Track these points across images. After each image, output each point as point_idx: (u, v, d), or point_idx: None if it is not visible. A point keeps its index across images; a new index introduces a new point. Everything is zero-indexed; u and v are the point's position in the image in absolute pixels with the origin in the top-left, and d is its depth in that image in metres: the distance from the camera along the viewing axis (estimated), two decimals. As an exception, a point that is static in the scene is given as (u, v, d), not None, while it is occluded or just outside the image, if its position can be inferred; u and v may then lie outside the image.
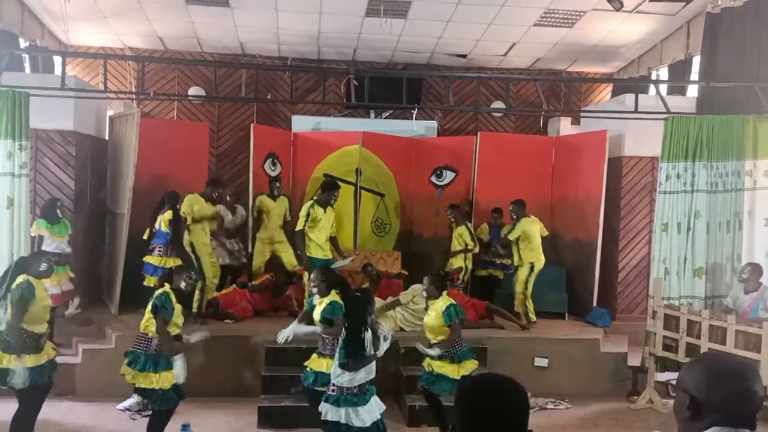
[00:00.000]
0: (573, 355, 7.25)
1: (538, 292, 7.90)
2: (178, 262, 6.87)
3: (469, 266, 8.22)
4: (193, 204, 7.22)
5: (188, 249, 7.17)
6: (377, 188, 9.41)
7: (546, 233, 7.96)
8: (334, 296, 5.24)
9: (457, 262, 8.16)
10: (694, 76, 9.07)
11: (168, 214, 7.05)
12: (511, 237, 7.65)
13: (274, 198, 8.17)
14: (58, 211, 7.09)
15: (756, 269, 6.75)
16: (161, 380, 4.92)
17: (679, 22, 9.06)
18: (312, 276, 5.55)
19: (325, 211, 7.09)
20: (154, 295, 5.02)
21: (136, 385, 4.96)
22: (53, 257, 6.80)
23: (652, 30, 9.30)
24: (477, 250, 8.18)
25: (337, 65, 10.73)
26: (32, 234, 6.85)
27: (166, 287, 5.08)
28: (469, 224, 8.29)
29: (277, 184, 8.21)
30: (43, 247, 6.81)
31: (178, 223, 7.04)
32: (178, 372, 4.90)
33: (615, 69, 11.12)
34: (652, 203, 8.27)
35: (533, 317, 7.65)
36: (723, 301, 7.01)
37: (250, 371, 6.67)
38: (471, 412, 1.64)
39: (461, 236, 8.10)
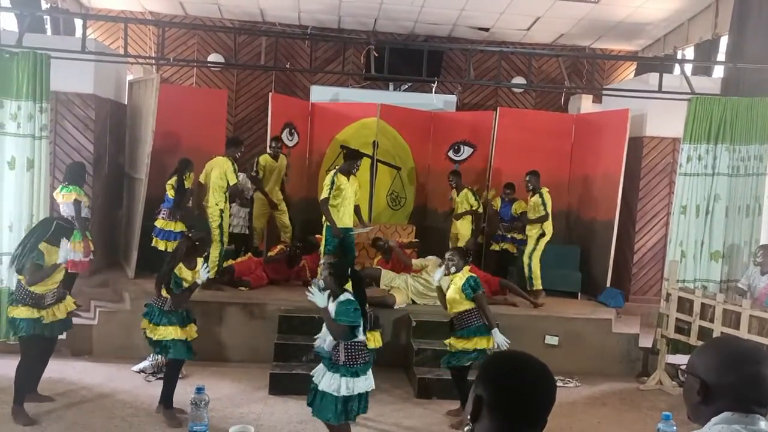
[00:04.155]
0: (584, 335, 7.26)
1: (550, 270, 7.89)
2: (180, 226, 7.14)
3: (476, 229, 8.27)
4: (223, 169, 7.29)
5: (209, 212, 7.29)
6: (394, 161, 9.38)
7: None
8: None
9: (464, 228, 8.18)
10: (721, 56, 8.88)
11: (172, 180, 7.30)
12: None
13: (275, 158, 8.35)
14: (86, 176, 7.23)
15: None
16: (171, 332, 5.16)
17: (707, 0, 8.84)
18: (320, 269, 5.52)
19: (348, 180, 7.10)
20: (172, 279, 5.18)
21: (154, 338, 5.17)
22: (87, 222, 7.02)
23: (680, 8, 9.09)
24: (481, 210, 8.31)
25: (357, 35, 10.63)
26: (62, 201, 6.93)
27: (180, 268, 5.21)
28: (471, 188, 8.37)
29: (273, 144, 8.39)
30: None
31: (180, 190, 7.27)
32: None
33: (639, 47, 10.92)
34: (672, 185, 8.18)
35: (537, 284, 7.71)
36: (738, 284, 6.94)
37: (264, 338, 6.75)
38: (504, 390, 1.62)
39: (466, 199, 8.21)
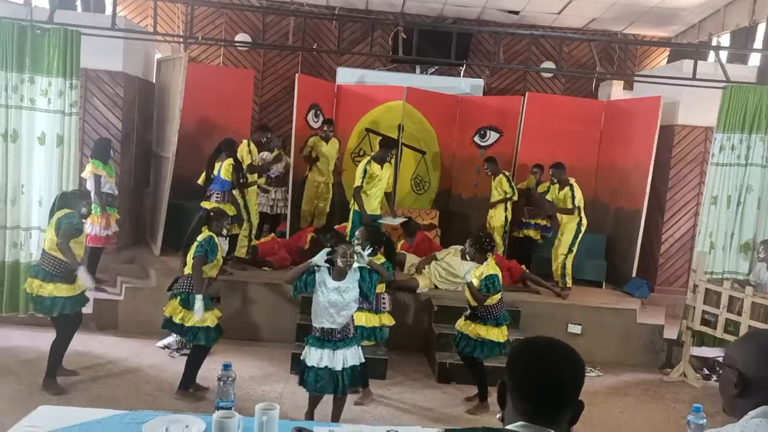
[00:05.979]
0: (608, 324, 7.19)
1: (576, 259, 7.80)
2: (233, 209, 6.88)
3: (509, 217, 8.18)
4: (251, 149, 7.42)
5: (239, 194, 7.22)
6: (419, 145, 9.33)
7: None
8: (380, 257, 5.46)
9: (497, 215, 8.09)
10: (758, 44, 8.66)
11: (229, 161, 6.89)
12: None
13: (326, 140, 8.31)
14: (111, 152, 7.21)
15: None
16: (206, 318, 5.08)
17: (746, -14, 8.61)
18: (357, 233, 5.57)
19: (381, 168, 7.07)
20: (200, 241, 5.08)
21: (177, 321, 5.04)
22: (108, 198, 7.03)
23: (717, -7, 8.88)
24: (516, 198, 8.17)
25: (385, 17, 10.54)
26: (84, 175, 6.96)
27: (206, 232, 5.13)
28: (506, 173, 8.24)
29: (325, 127, 8.35)
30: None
31: (238, 171, 6.98)
32: (197, 309, 4.98)
33: (673, 33, 10.67)
34: (702, 175, 8.04)
35: (569, 283, 7.58)
36: (750, 278, 6.81)
37: (286, 318, 6.79)
38: (529, 375, 1.63)
39: (500, 185, 8.07)
